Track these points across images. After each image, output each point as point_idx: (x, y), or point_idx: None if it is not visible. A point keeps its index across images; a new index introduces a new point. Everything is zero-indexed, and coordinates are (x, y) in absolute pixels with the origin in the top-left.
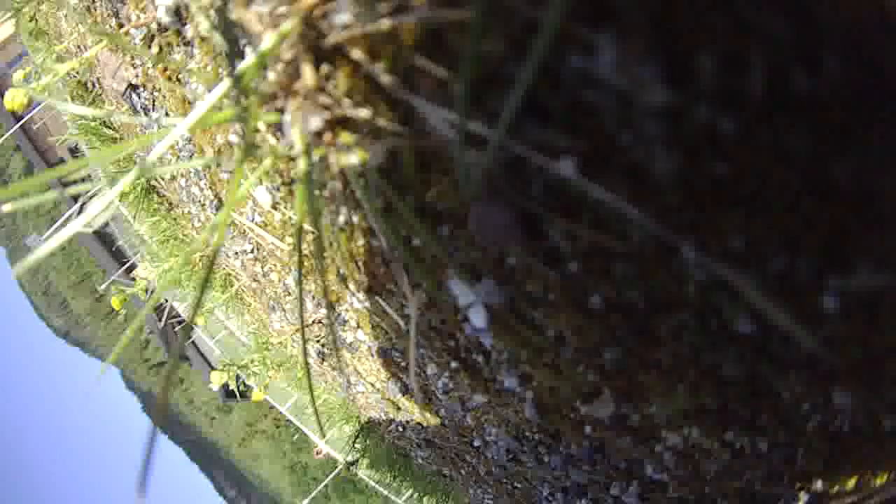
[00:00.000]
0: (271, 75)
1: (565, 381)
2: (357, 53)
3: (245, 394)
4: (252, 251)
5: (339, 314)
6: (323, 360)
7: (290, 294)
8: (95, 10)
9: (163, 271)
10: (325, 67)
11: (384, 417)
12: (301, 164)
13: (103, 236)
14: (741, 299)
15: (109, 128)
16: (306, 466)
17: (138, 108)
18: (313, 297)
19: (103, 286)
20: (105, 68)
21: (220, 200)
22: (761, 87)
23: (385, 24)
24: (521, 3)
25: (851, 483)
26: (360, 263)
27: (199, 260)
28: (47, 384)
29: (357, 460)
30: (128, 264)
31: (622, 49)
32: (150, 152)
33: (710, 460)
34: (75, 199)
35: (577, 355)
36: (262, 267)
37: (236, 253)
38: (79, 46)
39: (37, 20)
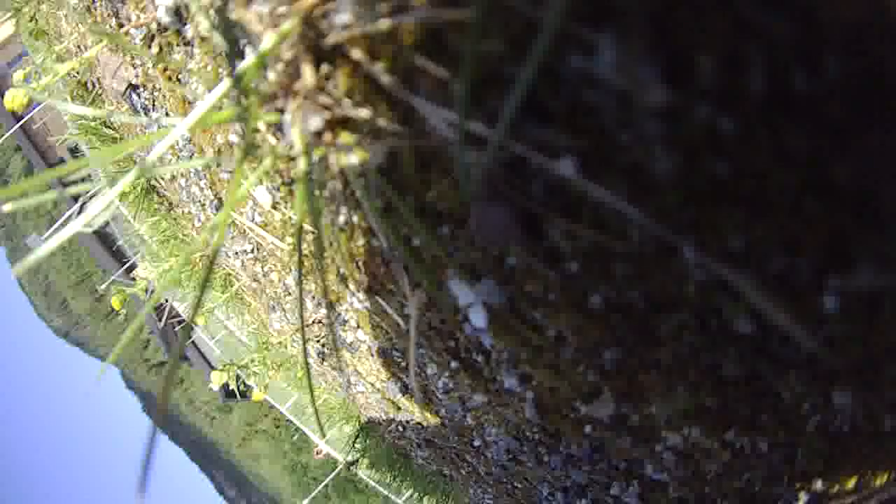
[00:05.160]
0: (271, 75)
1: (565, 381)
2: (357, 53)
3: (245, 394)
4: (252, 251)
5: (339, 314)
6: (323, 360)
7: (290, 294)
8: (95, 10)
9: (163, 271)
10: (325, 67)
11: (384, 417)
12: (301, 164)
13: (103, 236)
14: (741, 299)
15: (109, 128)
16: (306, 466)
17: (138, 108)
18: (313, 297)
19: (103, 286)
20: (105, 68)
21: (220, 200)
22: (761, 86)
23: (385, 24)
24: (521, 3)
25: (851, 483)
26: (360, 263)
27: (199, 260)
28: (47, 384)
29: (357, 460)
30: (128, 264)
31: (622, 49)
32: (150, 152)
33: (710, 460)
34: (75, 199)
35: (577, 355)
36: (262, 267)
37: (236, 253)
38: (79, 46)
39: (37, 20)
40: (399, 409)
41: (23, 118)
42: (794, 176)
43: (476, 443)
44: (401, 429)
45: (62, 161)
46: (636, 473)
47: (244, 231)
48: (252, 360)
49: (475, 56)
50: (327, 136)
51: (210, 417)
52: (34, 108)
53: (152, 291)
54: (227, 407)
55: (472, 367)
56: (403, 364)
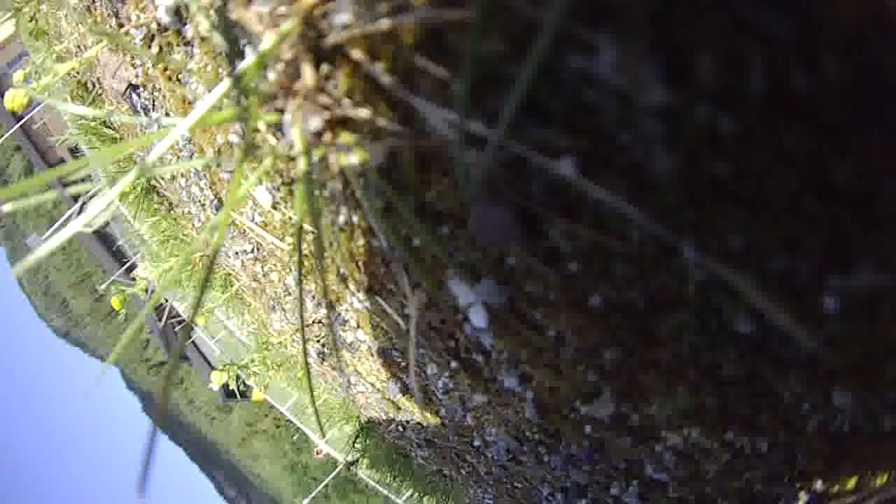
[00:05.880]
0: (271, 75)
1: (565, 381)
2: (357, 53)
3: (245, 394)
4: (252, 251)
5: (339, 314)
6: (323, 360)
7: (290, 294)
8: (95, 10)
9: (163, 271)
10: (325, 67)
11: (384, 417)
12: (301, 164)
13: (103, 236)
14: (741, 299)
15: (109, 128)
16: (306, 466)
17: (138, 108)
18: (313, 297)
19: (103, 286)
20: (105, 68)
21: (220, 200)
22: (761, 86)
23: (385, 24)
24: (521, 3)
25: (851, 483)
26: (360, 263)
27: (199, 260)
28: (47, 384)
29: (357, 460)
30: (128, 264)
31: (622, 49)
32: (150, 152)
33: (710, 460)
34: (75, 199)
35: (577, 355)
36: (262, 267)
37: (236, 253)
38: (79, 46)
39: (37, 20)
40: (399, 409)
41: (23, 118)
42: (794, 176)
43: (476, 443)
44: (401, 429)
45: (62, 161)
46: (636, 473)
47: (244, 231)
48: (252, 360)
49: (475, 56)
50: (327, 136)
51: (210, 417)
52: (34, 108)
53: (152, 291)
54: (227, 407)
55: (472, 367)
56: (403, 364)
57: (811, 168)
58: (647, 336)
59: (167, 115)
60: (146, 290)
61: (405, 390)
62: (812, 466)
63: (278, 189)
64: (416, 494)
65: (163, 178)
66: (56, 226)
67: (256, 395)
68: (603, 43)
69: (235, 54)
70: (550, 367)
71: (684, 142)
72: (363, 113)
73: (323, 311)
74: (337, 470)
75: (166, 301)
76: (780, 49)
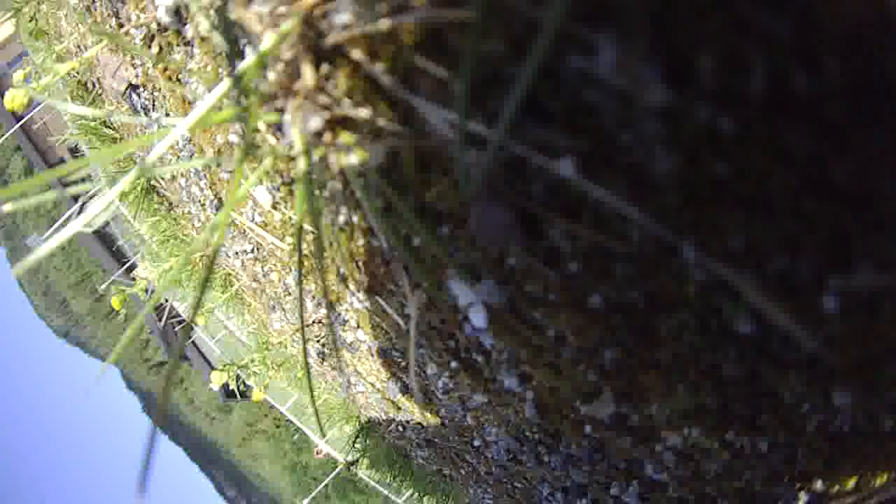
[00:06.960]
0: (271, 75)
1: (565, 381)
2: (357, 53)
3: (245, 394)
4: (252, 251)
5: (339, 314)
6: (323, 360)
7: (290, 294)
8: (95, 10)
9: (163, 271)
10: (325, 67)
11: (384, 417)
12: (301, 164)
13: (103, 236)
14: (741, 299)
15: (109, 128)
16: (306, 466)
17: (138, 108)
18: (313, 297)
19: (103, 286)
20: (105, 68)
21: (220, 200)
22: (761, 87)
23: (385, 24)
24: (521, 3)
25: (851, 483)
26: (360, 263)
27: (199, 260)
28: (47, 384)
29: (357, 460)
30: (128, 264)
31: (622, 49)
32: (150, 152)
33: (710, 460)
34: (75, 199)
35: (577, 355)
36: (262, 267)
37: (236, 253)
38: (79, 46)
39: (37, 20)
40: (399, 409)
41: (23, 118)
42: (794, 176)
43: (476, 443)
44: (401, 429)
45: (62, 161)
46: (636, 473)
47: (244, 231)
48: (252, 360)
49: (475, 56)
50: (327, 136)
51: (210, 417)
52: (34, 108)
53: (152, 291)
54: (227, 407)
55: (472, 367)
56: (403, 364)
57: (811, 168)
58: (647, 336)
59: (167, 115)
60: (146, 290)
61: (405, 390)
62: (812, 466)
63: (278, 189)
64: (416, 494)
65: (163, 178)
66: (56, 226)
67: (256, 395)
68: (603, 43)
69: (235, 54)
70: (550, 367)
71: (684, 142)
72: (363, 113)
73: (323, 311)
74: (337, 470)
75: (166, 301)
76: (780, 49)
